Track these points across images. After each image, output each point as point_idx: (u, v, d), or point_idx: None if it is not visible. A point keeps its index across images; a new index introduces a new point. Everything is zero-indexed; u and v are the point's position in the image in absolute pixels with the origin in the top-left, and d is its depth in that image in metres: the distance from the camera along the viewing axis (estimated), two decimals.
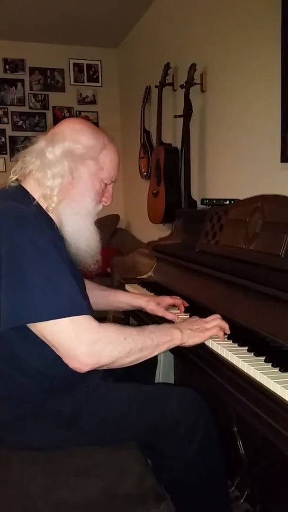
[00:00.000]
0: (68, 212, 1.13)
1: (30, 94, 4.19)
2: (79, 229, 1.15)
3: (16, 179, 1.15)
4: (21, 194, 1.11)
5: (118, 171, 1.23)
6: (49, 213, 1.13)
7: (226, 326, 1.18)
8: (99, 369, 1.05)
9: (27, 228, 1.01)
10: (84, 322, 1.00)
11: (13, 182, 1.14)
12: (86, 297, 1.22)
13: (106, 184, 1.21)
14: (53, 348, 1.01)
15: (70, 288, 1.01)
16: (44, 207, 1.12)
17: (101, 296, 1.47)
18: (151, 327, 1.13)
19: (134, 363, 1.08)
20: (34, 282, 0.97)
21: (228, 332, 1.18)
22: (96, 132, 1.18)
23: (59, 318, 0.97)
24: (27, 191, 1.12)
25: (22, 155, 1.15)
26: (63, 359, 1.00)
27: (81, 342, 0.98)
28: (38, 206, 1.10)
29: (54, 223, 1.13)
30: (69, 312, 0.98)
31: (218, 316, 1.20)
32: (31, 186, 1.13)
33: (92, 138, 1.15)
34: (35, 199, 1.09)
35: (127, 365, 1.08)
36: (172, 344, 1.13)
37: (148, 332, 1.10)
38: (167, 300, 1.47)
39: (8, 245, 0.98)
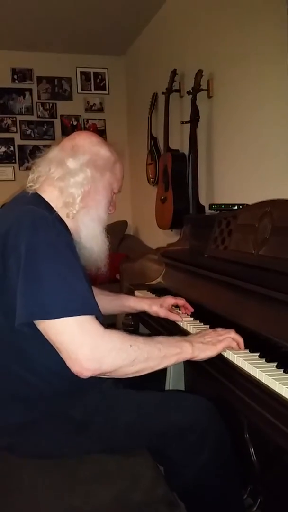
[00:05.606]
0: (87, 219, 1.20)
1: (38, 103, 4.23)
2: (94, 235, 1.22)
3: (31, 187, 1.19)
4: (38, 200, 1.15)
5: None
6: (66, 220, 1.16)
7: (240, 340, 1.12)
8: (103, 376, 1.03)
9: (45, 229, 1.04)
10: (89, 325, 0.99)
11: (29, 190, 1.17)
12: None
13: (114, 193, 1.28)
14: (56, 350, 0.99)
15: (83, 288, 1.02)
16: (62, 213, 1.16)
17: (105, 302, 1.47)
18: (160, 338, 1.11)
19: (139, 374, 1.05)
20: (49, 279, 0.98)
21: (242, 347, 1.12)
22: (109, 145, 1.27)
23: (69, 317, 0.97)
24: (43, 199, 1.16)
25: (36, 165, 1.20)
26: (65, 362, 0.99)
27: (83, 344, 0.97)
28: (53, 212, 1.13)
29: (68, 230, 1.16)
30: (80, 310, 0.98)
31: (232, 330, 1.15)
32: (49, 194, 1.17)
33: (108, 151, 1.24)
34: (51, 206, 1.14)
35: (131, 375, 1.05)
36: (181, 358, 1.09)
37: (156, 342, 1.07)
38: (169, 300, 1.47)
39: (26, 244, 1.00)
